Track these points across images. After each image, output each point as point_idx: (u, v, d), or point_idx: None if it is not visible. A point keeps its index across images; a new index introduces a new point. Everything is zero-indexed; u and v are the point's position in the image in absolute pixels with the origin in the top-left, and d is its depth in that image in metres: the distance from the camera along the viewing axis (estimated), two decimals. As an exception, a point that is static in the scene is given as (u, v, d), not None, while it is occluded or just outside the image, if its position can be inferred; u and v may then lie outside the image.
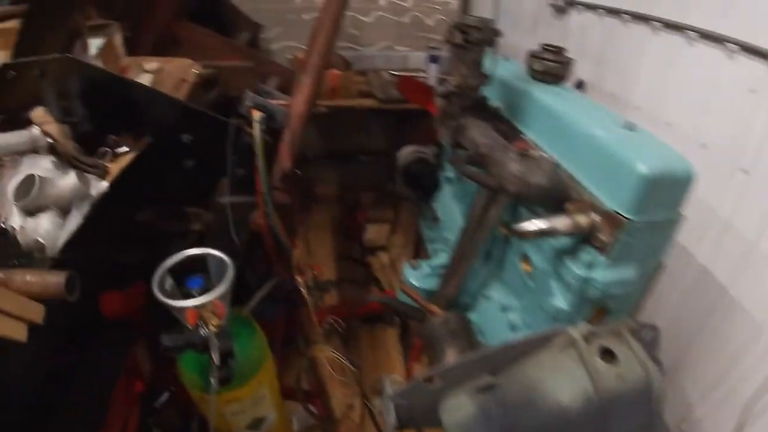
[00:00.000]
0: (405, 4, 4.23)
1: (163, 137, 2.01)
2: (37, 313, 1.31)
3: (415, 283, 2.23)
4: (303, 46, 3.67)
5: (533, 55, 2.02)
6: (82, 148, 1.93)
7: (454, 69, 1.76)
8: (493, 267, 2.01)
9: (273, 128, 2.06)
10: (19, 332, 1.26)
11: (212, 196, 2.15)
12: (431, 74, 3.73)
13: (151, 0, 2.86)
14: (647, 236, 1.45)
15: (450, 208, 2.42)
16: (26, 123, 1.86)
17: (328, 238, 3.93)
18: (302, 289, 2.16)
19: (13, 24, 2.03)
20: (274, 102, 2.07)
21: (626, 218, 1.38)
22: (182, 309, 1.63)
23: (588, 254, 1.50)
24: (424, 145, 2.72)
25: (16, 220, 1.65)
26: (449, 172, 2.52)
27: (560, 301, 1.59)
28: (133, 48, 2.87)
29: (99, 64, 2.13)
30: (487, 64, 1.86)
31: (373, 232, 3.93)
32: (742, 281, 1.76)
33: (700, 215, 1.75)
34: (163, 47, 2.93)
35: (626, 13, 2.47)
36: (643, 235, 1.43)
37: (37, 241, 1.58)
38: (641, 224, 1.40)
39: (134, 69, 2.27)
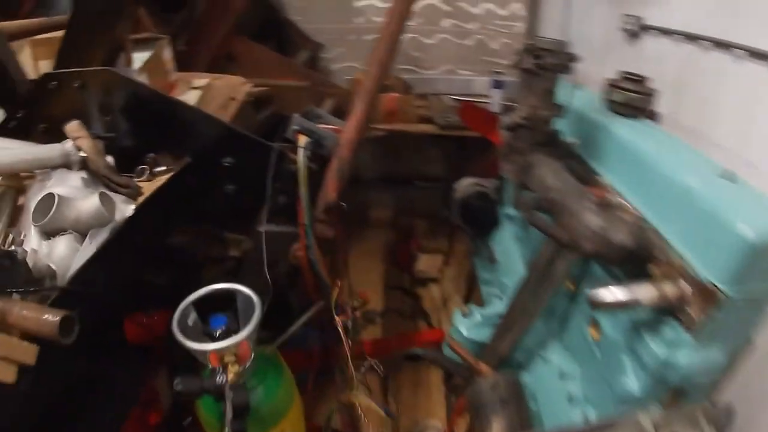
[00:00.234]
0: (469, 27, 4.01)
1: (204, 159, 1.86)
2: (29, 354, 1.17)
3: (464, 332, 1.98)
4: (364, 68, 3.50)
5: (612, 84, 1.76)
6: (119, 165, 1.82)
7: (523, 98, 1.52)
8: (554, 325, 1.73)
9: (321, 155, 1.87)
10: (7, 374, 1.11)
11: (253, 223, 1.98)
12: (495, 100, 3.48)
13: (209, 15, 2.76)
14: (745, 314, 1.17)
15: (510, 250, 2.16)
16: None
17: (378, 266, 3.72)
18: (340, 330, 1.95)
19: (59, 34, 1.94)
20: (323, 127, 1.88)
21: (723, 293, 1.10)
22: (201, 351, 1.46)
23: (671, 330, 1.23)
24: (485, 177, 2.47)
25: (32, 241, 1.53)
26: (511, 209, 2.26)
27: (632, 382, 1.31)
28: (189, 63, 2.78)
29: (143, 78, 2.02)
30: (561, 93, 1.61)
31: (425, 263, 3.68)
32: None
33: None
34: (219, 63, 2.83)
35: (706, 39, 2.15)
36: (741, 312, 1.15)
37: (50, 267, 1.44)
38: (740, 301, 1.11)
39: (182, 85, 2.15)
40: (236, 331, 1.56)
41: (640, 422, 1.04)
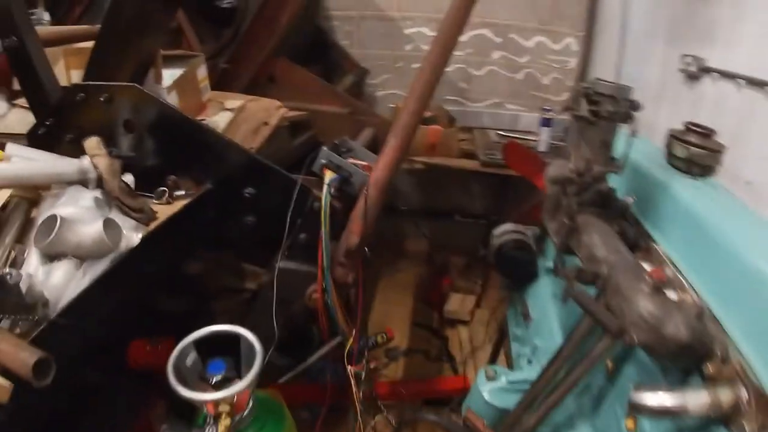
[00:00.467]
0: (520, 60, 3.82)
1: (225, 187, 1.73)
2: (2, 393, 1.03)
3: (487, 396, 1.76)
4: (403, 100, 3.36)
5: (674, 136, 1.53)
6: (140, 184, 1.73)
7: (575, 148, 1.32)
8: (587, 402, 1.50)
9: (348, 193, 1.71)
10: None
11: (273, 256, 1.82)
12: (543, 139, 3.26)
13: (253, 34, 2.67)
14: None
15: (546, 309, 1.94)
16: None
17: (408, 301, 3.52)
18: (352, 381, 1.76)
19: (91, 44, 1.86)
20: (353, 162, 1.72)
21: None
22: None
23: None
24: (526, 222, 2.25)
25: (32, 263, 1.42)
26: (550, 261, 2.04)
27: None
28: (230, 81, 2.70)
29: (173, 96, 1.91)
30: (619, 145, 1.41)
31: (456, 303, 3.46)
32: None
33: None
34: (260, 84, 2.74)
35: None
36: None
37: (43, 294, 1.31)
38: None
39: (214, 105, 2.04)
40: (235, 378, 1.42)
41: None
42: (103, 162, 1.61)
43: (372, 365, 1.85)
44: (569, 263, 1.33)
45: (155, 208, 1.69)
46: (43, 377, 1.11)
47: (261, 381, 2.39)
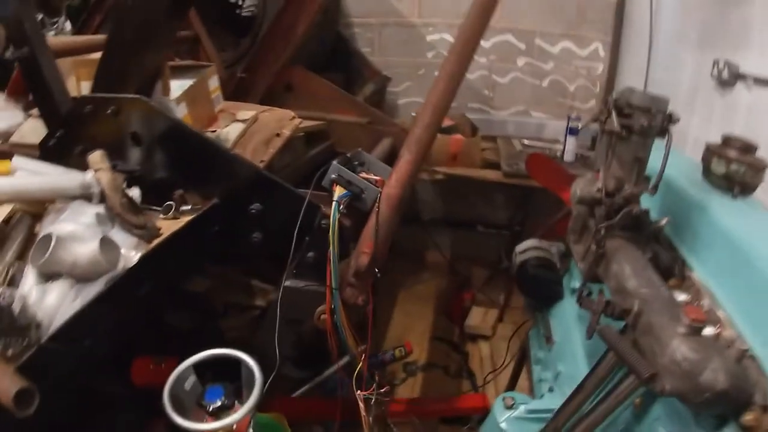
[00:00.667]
0: (545, 67, 3.66)
1: (231, 202, 1.63)
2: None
3: (504, 426, 1.62)
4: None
5: (712, 150, 1.38)
6: (148, 198, 1.66)
7: (606, 165, 1.18)
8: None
9: (360, 210, 1.60)
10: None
11: (282, 274, 1.72)
12: (569, 148, 3.10)
13: (269, 43, 2.58)
14: None
15: (570, 332, 1.79)
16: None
17: (428, 314, 3.40)
18: (361, 407, 1.65)
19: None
20: (364, 177, 1.61)
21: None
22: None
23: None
24: (550, 238, 2.11)
25: (28, 283, 1.34)
26: (576, 281, 1.89)
27: None
28: (247, 90, 2.62)
29: (182, 107, 1.83)
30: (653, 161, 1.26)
31: (478, 318, 3.32)
32: None
33: None
34: (277, 93, 2.65)
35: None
36: None
37: (36, 316, 1.24)
38: None
39: (225, 117, 1.96)
40: (234, 404, 1.33)
41: None
42: (106, 177, 1.54)
43: (384, 389, 1.71)
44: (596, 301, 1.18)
45: (162, 223, 1.62)
46: (26, 407, 1.03)
47: (275, 393, 2.30)
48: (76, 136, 1.76)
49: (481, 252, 3.82)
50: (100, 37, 2.03)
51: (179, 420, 1.23)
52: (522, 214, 3.57)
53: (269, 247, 1.65)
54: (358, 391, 1.63)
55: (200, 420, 1.32)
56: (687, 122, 1.65)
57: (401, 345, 3.11)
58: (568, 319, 1.85)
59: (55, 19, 3.21)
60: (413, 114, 3.52)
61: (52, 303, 1.28)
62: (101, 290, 1.25)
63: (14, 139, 2.09)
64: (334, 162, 1.58)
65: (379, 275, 1.51)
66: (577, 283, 1.91)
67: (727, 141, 1.43)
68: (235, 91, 2.64)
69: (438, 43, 3.59)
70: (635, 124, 1.17)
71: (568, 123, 3.10)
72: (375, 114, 2.74)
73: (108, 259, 1.31)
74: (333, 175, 1.56)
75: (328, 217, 1.53)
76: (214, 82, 2.05)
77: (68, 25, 3.09)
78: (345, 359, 1.78)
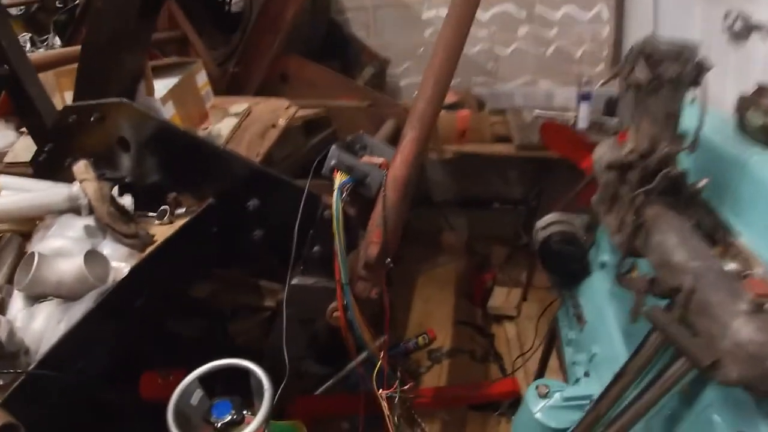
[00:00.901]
0: (548, 34, 3.46)
1: (226, 201, 1.50)
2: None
3: (540, 417, 1.48)
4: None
5: (747, 101, 1.21)
6: (142, 205, 1.54)
7: (636, 126, 1.02)
8: (656, 427, 1.21)
9: (365, 197, 1.46)
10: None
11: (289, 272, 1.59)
12: (582, 115, 2.91)
13: (258, 34, 2.44)
14: None
15: (602, 310, 1.64)
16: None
17: (449, 298, 3.26)
18: (384, 407, 1.51)
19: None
20: (368, 161, 1.47)
21: None
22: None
23: None
24: (571, 210, 1.94)
25: (15, 306, 1.23)
26: (605, 255, 1.73)
27: None
28: (241, 85, 2.48)
29: (168, 107, 1.70)
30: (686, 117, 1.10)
31: (501, 298, 3.16)
32: None
33: None
34: (272, 84, 2.50)
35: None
36: None
37: (24, 342, 1.12)
38: None
39: (216, 113, 1.82)
40: (243, 419, 1.21)
41: None
42: (91, 187, 1.41)
43: (408, 385, 1.58)
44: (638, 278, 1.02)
45: (156, 229, 1.50)
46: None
47: (294, 394, 2.18)
48: (65, 148, 1.66)
49: (498, 230, 3.66)
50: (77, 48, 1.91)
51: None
52: (537, 187, 3.39)
53: (272, 245, 1.52)
54: (380, 390, 1.51)
55: (208, 437, 1.21)
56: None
57: (424, 332, 2.98)
58: (598, 296, 1.70)
59: (44, 37, 3.12)
60: (416, 94, 3.35)
61: (39, 327, 1.17)
62: (89, 308, 1.12)
63: (8, 158, 2.00)
64: (333, 147, 1.44)
65: (391, 265, 1.37)
66: (605, 257, 1.75)
67: (761, 91, 1.26)
68: (229, 88, 2.50)
69: (435, 19, 3.40)
70: (665, 73, 1.00)
71: (579, 89, 2.91)
72: (375, 96, 2.59)
73: (95, 273, 1.19)
74: (333, 162, 1.42)
75: (331, 207, 1.39)
76: (202, 78, 1.91)
77: (57, 41, 2.99)
78: (363, 355, 1.65)
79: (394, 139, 2.02)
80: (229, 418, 1.19)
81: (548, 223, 1.84)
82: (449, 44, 1.34)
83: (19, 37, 2.74)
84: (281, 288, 1.72)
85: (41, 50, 2.96)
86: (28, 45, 2.99)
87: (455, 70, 1.39)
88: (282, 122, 1.84)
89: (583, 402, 1.49)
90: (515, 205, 3.60)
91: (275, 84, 2.53)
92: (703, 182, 1.14)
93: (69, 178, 1.53)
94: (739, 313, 0.76)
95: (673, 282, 0.85)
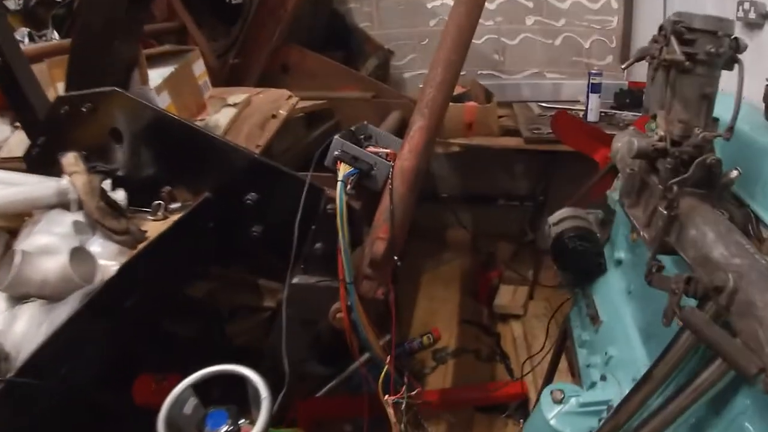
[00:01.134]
0: (556, 24, 3.37)
1: (223, 195, 1.42)
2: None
3: (555, 424, 1.39)
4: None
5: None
6: (136, 200, 1.46)
7: (667, 109, 0.93)
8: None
9: (371, 189, 1.37)
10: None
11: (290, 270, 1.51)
12: (592, 107, 2.82)
13: (258, 25, 2.35)
14: None
15: (619, 309, 1.55)
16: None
17: (454, 296, 3.17)
18: (390, 414, 1.43)
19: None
20: (373, 151, 1.38)
21: None
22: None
23: None
24: (582, 205, 1.85)
25: (-1, 308, 1.14)
26: (621, 251, 1.64)
27: None
28: (241, 77, 2.40)
29: (163, 96, 1.61)
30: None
31: (507, 296, 3.07)
32: None
33: None
34: (273, 75, 2.41)
35: None
36: None
37: (3, 348, 1.04)
38: None
39: (214, 103, 1.74)
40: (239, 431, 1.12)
41: None
42: (80, 180, 1.33)
43: (415, 391, 1.49)
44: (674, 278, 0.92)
45: (150, 225, 1.41)
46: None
47: (295, 398, 2.09)
48: (58, 141, 1.57)
49: (503, 227, 3.57)
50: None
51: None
52: (544, 182, 3.31)
53: (272, 241, 1.43)
54: (386, 396, 1.42)
55: (203, 449, 1.13)
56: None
57: (428, 331, 2.89)
58: (614, 294, 1.61)
59: (42, 32, 3.04)
60: (421, 86, 3.26)
61: (20, 330, 1.08)
62: (73, 310, 1.04)
63: (2, 154, 1.92)
64: (336, 136, 1.35)
65: (399, 264, 1.29)
66: (621, 254, 1.66)
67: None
68: (229, 79, 2.42)
69: (440, 9, 3.30)
70: (700, 51, 0.91)
71: (589, 80, 2.81)
72: (379, 87, 2.50)
73: (81, 272, 1.11)
74: (336, 152, 1.33)
75: (334, 200, 1.30)
76: (199, 67, 1.82)
77: (56, 36, 2.91)
78: (366, 356, 1.57)
79: (400, 132, 1.94)
80: (225, 429, 1.11)
81: (561, 218, 1.75)
82: (461, 24, 1.26)
83: (17, 31, 2.70)
84: (281, 287, 1.64)
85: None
86: (27, 40, 2.92)
87: (467, 53, 1.30)
88: (283, 113, 1.76)
89: (600, 407, 1.40)
90: (521, 202, 3.52)
91: (276, 75, 2.44)
92: (734, 173, 1.05)
93: (62, 173, 1.45)
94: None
95: (714, 281, 0.76)
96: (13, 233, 1.41)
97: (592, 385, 1.55)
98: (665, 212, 0.87)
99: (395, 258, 1.29)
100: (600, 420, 1.38)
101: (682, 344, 1.02)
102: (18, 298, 1.16)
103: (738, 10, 1.98)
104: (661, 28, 0.96)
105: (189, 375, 1.19)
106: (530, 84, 3.42)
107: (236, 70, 2.44)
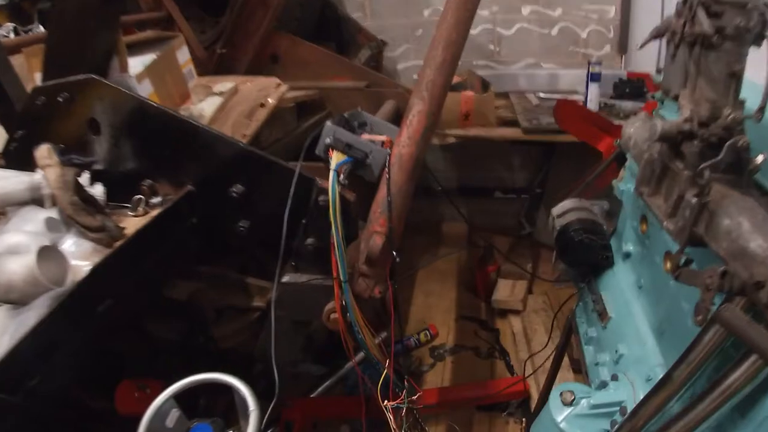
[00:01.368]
0: (553, 14, 3.29)
1: (207, 187, 1.31)
2: None
3: (564, 427, 1.31)
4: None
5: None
6: (115, 195, 1.36)
7: (692, 88, 0.84)
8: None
9: (366, 179, 1.27)
10: None
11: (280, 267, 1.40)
12: (592, 97, 2.73)
13: (246, 13, 2.24)
14: None
15: (628, 304, 1.46)
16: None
17: (451, 292, 3.09)
18: (390, 419, 1.34)
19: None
20: (368, 138, 1.28)
21: None
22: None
23: None
24: (587, 196, 1.77)
25: (-32, 314, 1.03)
26: (630, 245, 1.56)
27: None
28: (229, 66, 2.29)
29: (145, 85, 1.50)
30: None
31: (505, 291, 2.99)
32: None
33: None
34: (263, 65, 2.31)
35: None
36: None
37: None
38: None
39: (199, 91, 1.63)
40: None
41: None
42: (53, 173, 1.22)
43: (417, 395, 1.40)
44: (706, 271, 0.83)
45: (129, 222, 1.31)
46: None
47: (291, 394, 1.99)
48: (37, 134, 1.46)
49: (500, 220, 3.49)
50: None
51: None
52: (542, 174, 3.22)
53: (260, 237, 1.33)
54: (385, 402, 1.33)
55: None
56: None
57: (425, 328, 2.81)
58: (623, 289, 1.52)
59: (28, 27, 2.93)
60: (415, 77, 3.16)
61: (-15, 335, 0.97)
62: (42, 316, 0.94)
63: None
64: (328, 122, 1.25)
65: (398, 259, 1.19)
66: (630, 247, 1.57)
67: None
68: (216, 70, 2.31)
69: (435, -1, 3.22)
70: (728, 25, 0.82)
71: (588, 69, 2.72)
72: (373, 76, 2.39)
73: (50, 274, 1.00)
74: (328, 139, 1.23)
75: (327, 191, 1.20)
76: (183, 55, 1.71)
77: (41, 30, 2.80)
78: (360, 355, 1.47)
79: (395, 122, 1.84)
80: (213, 434, 1.02)
81: (565, 210, 1.66)
82: (461, 1, 1.15)
83: (2, 26, 2.59)
84: (271, 285, 1.54)
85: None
86: (12, 35, 2.82)
87: (468, 33, 1.20)
88: (271, 101, 1.65)
89: (612, 409, 1.31)
90: (518, 194, 3.43)
91: (265, 65, 2.34)
92: (760, 159, 0.96)
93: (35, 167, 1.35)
94: None
95: (756, 275, 0.67)
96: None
97: (602, 384, 1.47)
98: (694, 200, 0.78)
99: (393, 253, 1.19)
100: (612, 422, 1.30)
101: (706, 343, 0.93)
102: (-14, 302, 1.06)
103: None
104: (685, 0, 0.87)
105: (174, 381, 1.09)
106: (527, 74, 3.34)
107: (224, 60, 2.33)
